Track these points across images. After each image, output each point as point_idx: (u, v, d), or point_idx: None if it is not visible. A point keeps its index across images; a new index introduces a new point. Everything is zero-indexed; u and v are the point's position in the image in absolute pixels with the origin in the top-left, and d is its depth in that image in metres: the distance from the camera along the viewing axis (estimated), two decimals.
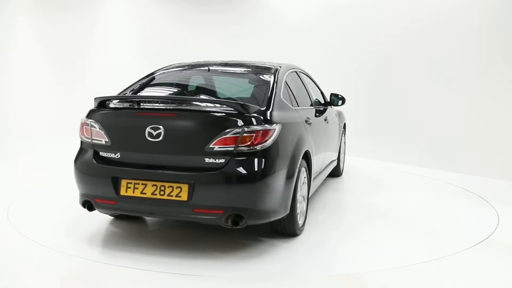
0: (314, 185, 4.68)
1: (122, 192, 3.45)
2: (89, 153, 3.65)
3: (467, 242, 3.97)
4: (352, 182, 6.28)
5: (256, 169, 3.32)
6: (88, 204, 3.65)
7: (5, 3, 10.03)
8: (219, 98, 4.00)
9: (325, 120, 5.14)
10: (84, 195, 3.66)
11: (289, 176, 3.61)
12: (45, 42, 10.34)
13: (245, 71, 4.57)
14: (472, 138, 7.00)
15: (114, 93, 4.36)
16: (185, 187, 3.33)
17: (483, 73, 6.96)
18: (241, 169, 3.30)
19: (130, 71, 8.98)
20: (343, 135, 6.47)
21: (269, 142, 3.39)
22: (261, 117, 3.42)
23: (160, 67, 4.66)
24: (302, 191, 3.99)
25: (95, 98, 3.72)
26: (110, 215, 4.27)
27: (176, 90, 4.33)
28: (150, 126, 3.40)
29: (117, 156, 3.54)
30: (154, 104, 3.67)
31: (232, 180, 3.30)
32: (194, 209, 3.33)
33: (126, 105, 3.73)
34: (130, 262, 3.43)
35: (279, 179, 3.48)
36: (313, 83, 5.57)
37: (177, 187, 3.34)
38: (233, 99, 3.83)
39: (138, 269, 3.31)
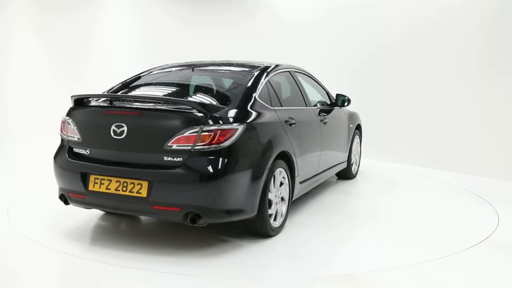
0: (305, 186, 4.63)
1: (90, 187, 3.58)
2: (65, 149, 3.84)
3: (467, 242, 3.97)
4: (357, 184, 6.20)
5: (212, 168, 3.36)
6: (64, 198, 3.81)
7: (5, 3, 10.03)
8: (192, 97, 3.96)
9: (322, 121, 5.02)
10: (60, 189, 3.84)
11: (255, 177, 3.60)
12: (45, 42, 10.34)
13: (227, 71, 4.60)
14: (472, 138, 7.01)
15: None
16: (145, 184, 3.41)
17: (483, 73, 6.96)
18: (197, 168, 3.35)
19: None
20: (358, 136, 6.35)
21: (229, 141, 3.41)
22: (222, 117, 3.46)
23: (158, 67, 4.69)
24: (279, 192, 3.98)
25: (71, 96, 3.86)
26: (103, 211, 4.35)
27: (153, 90, 4.31)
28: (115, 124, 3.53)
29: (87, 152, 3.70)
30: (122, 103, 3.75)
31: (188, 179, 3.35)
32: (153, 206, 3.42)
33: (96, 103, 3.84)
34: (130, 262, 3.43)
35: (240, 179, 3.49)
36: (317, 83, 5.54)
37: (138, 184, 3.43)
38: (202, 99, 3.86)
39: (138, 269, 3.31)
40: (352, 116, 6.15)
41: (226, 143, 3.40)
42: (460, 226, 4.48)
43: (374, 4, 8.27)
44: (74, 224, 4.27)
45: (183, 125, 3.39)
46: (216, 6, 10.29)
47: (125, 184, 3.47)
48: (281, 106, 4.32)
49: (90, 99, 3.87)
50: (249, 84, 4.00)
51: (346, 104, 5.63)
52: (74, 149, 3.78)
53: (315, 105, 5.40)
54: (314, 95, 5.53)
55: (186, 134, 3.37)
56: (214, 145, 3.37)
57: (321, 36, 8.96)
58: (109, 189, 3.51)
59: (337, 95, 5.64)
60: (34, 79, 10.22)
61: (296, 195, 4.41)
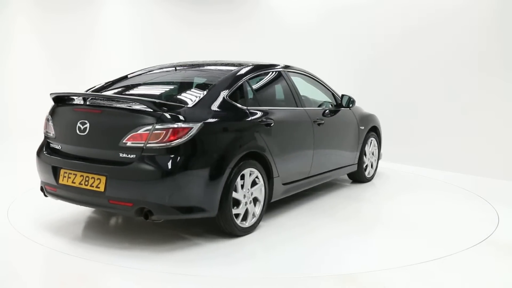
0: (292, 188, 4.60)
1: (60, 180, 3.80)
2: (44, 144, 4.13)
3: (467, 242, 3.97)
4: (366, 187, 5.99)
5: (162, 165, 3.44)
6: (43, 190, 4.06)
7: (5, 3, 10.02)
8: (155, 96, 4.01)
9: (316, 122, 4.91)
10: (41, 181, 4.09)
11: (214, 176, 3.64)
12: (45, 42, 10.34)
13: (207, 71, 4.61)
14: (472, 138, 7.00)
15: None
16: (103, 179, 3.56)
17: (484, 73, 6.96)
18: (148, 165, 3.45)
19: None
20: (374, 139, 6.17)
21: (181, 140, 3.47)
22: (176, 116, 3.52)
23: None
24: (249, 193, 3.98)
25: (50, 94, 4.03)
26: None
27: (127, 90, 4.34)
28: (80, 121, 3.72)
29: (59, 147, 3.94)
30: (89, 101, 3.88)
31: (140, 175, 3.45)
32: (109, 200, 3.55)
33: (70, 101, 4.01)
34: (129, 261, 3.43)
35: (194, 177, 3.55)
36: (320, 84, 5.46)
37: (97, 179, 3.59)
38: (162, 98, 3.91)
39: (139, 269, 3.31)
40: (365, 118, 5.98)
41: (179, 142, 3.47)
42: (460, 226, 4.47)
43: (374, 4, 8.27)
44: (74, 224, 4.27)
45: (137, 123, 3.51)
46: (216, 6, 10.28)
47: (87, 179, 3.63)
48: (259, 106, 4.32)
49: (67, 97, 4.03)
50: (218, 84, 4.04)
51: (350, 105, 5.53)
52: (50, 144, 4.04)
53: (320, 106, 5.38)
54: (319, 96, 5.48)
55: (140, 132, 3.47)
56: (165, 143, 3.45)
57: (321, 36, 8.96)
58: (74, 182, 3.69)
59: (342, 95, 5.56)
60: (34, 79, 10.21)
61: (278, 196, 4.40)
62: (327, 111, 5.26)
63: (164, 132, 3.45)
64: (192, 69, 4.79)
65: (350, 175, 6.03)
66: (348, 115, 5.65)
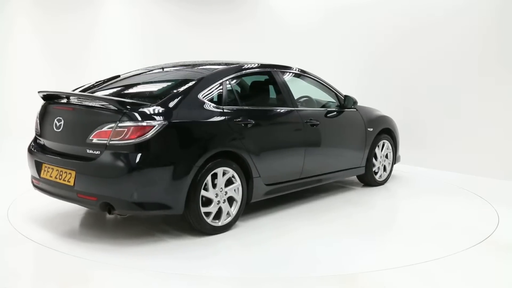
0: (279, 189, 4.59)
1: (42, 174, 4.01)
2: (33, 140, 4.37)
3: (467, 242, 3.98)
4: (373, 191, 5.87)
5: (122, 162, 3.56)
6: (32, 182, 4.29)
7: (5, 3, 10.01)
8: (126, 95, 4.13)
9: (308, 123, 4.83)
10: (30, 175, 4.29)
11: (178, 174, 3.70)
12: (45, 42, 10.33)
13: (192, 71, 4.60)
14: (472, 138, 7.00)
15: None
16: (73, 174, 3.73)
17: (484, 73, 6.96)
18: (110, 161, 3.58)
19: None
20: (387, 142, 5.95)
21: (143, 138, 3.57)
22: (139, 114, 3.62)
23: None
24: (223, 192, 4.02)
25: (38, 92, 4.24)
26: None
27: (108, 89, 4.43)
28: (56, 118, 3.95)
29: (43, 143, 4.17)
30: (66, 99, 4.11)
31: (102, 171, 3.60)
32: (78, 194, 3.72)
33: (52, 99, 4.20)
34: (130, 261, 3.43)
35: (155, 175, 3.62)
36: (321, 85, 5.35)
37: (68, 173, 3.77)
38: (131, 97, 4.02)
39: (138, 269, 3.31)
40: (375, 120, 5.80)
41: (140, 140, 3.56)
42: (460, 226, 4.47)
43: (374, 5, 8.26)
44: (74, 224, 4.27)
45: (102, 120, 3.66)
46: (216, 6, 10.28)
47: (61, 173, 3.83)
48: (240, 106, 4.33)
49: (51, 95, 4.19)
50: (193, 83, 4.08)
51: (351, 105, 5.41)
52: (37, 140, 4.28)
53: (323, 107, 5.33)
54: (324, 97, 5.42)
55: (104, 129, 3.62)
56: (127, 141, 3.56)
57: (321, 36, 8.96)
58: (51, 176, 3.90)
59: (345, 96, 5.44)
60: (34, 79, 10.20)
61: (259, 197, 4.40)
62: (327, 112, 5.20)
63: (126, 130, 3.56)
64: (180, 69, 4.77)
65: (360, 178, 5.92)
66: (353, 117, 5.53)
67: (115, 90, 4.38)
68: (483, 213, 4.91)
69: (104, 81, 4.68)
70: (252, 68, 4.70)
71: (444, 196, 5.67)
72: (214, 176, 3.96)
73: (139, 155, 3.56)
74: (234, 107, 4.24)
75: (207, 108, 4.02)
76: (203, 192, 3.87)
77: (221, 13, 10.22)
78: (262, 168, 4.34)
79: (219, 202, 4.00)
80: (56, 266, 3.43)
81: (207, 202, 3.94)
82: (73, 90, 4.50)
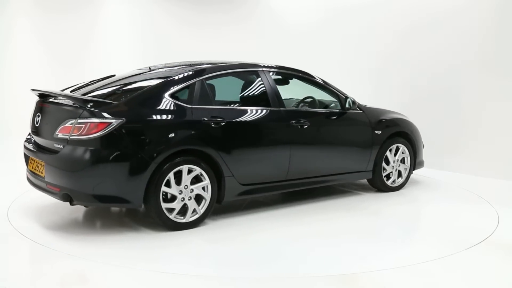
0: (259, 189, 4.56)
1: (29, 166, 4.34)
2: (27, 135, 4.63)
3: (467, 242, 3.98)
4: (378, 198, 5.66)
5: (80, 156, 3.78)
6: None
7: (5, 3, 10.01)
8: (104, 95, 4.23)
9: (297, 123, 4.71)
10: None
11: (136, 170, 3.85)
12: (45, 42, 10.32)
13: (172, 71, 4.57)
14: (472, 138, 7.00)
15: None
16: (44, 166, 4.02)
17: (484, 72, 6.95)
18: (69, 155, 3.82)
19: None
20: (403, 146, 5.62)
21: (100, 133, 3.75)
22: (98, 111, 3.82)
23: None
24: (189, 189, 4.08)
25: (31, 89, 4.42)
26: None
27: (92, 88, 4.52)
28: (37, 114, 4.27)
29: (31, 137, 4.48)
30: (47, 97, 4.30)
31: (62, 163, 3.86)
32: (47, 185, 4.00)
33: (41, 97, 4.38)
34: (129, 261, 3.43)
35: (111, 170, 3.80)
36: (323, 87, 5.20)
37: (42, 165, 4.04)
38: (97, 96, 4.18)
39: (138, 269, 3.31)
40: (385, 122, 5.53)
41: (96, 135, 3.75)
42: (460, 226, 4.47)
43: (374, 5, 8.26)
44: (74, 224, 4.27)
45: (67, 116, 3.91)
46: (216, 6, 10.28)
47: (37, 165, 4.13)
48: (214, 105, 4.36)
49: (41, 93, 4.36)
50: (161, 82, 4.23)
51: (349, 106, 5.20)
52: (29, 135, 4.54)
53: (326, 107, 5.23)
54: (329, 98, 5.33)
55: (67, 124, 3.86)
56: (85, 136, 3.77)
57: (321, 37, 8.96)
58: (33, 168, 4.22)
59: (344, 97, 5.25)
60: (34, 79, 10.19)
61: (233, 196, 4.41)
62: (325, 113, 5.10)
63: (84, 126, 3.77)
64: (166, 69, 4.73)
65: (371, 184, 5.64)
66: (356, 118, 5.31)
67: (95, 88, 4.46)
68: (483, 213, 4.91)
69: (98, 80, 4.78)
70: (232, 67, 4.73)
71: (444, 196, 5.67)
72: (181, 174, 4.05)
73: (95, 150, 3.76)
74: (205, 106, 4.28)
75: (173, 107, 4.11)
76: (165, 188, 3.97)
77: (221, 13, 10.22)
78: (235, 168, 4.34)
79: (183, 199, 4.07)
80: (56, 266, 3.43)
81: (173, 198, 4.05)
82: (65, 89, 4.66)
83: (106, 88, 4.45)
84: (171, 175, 3.98)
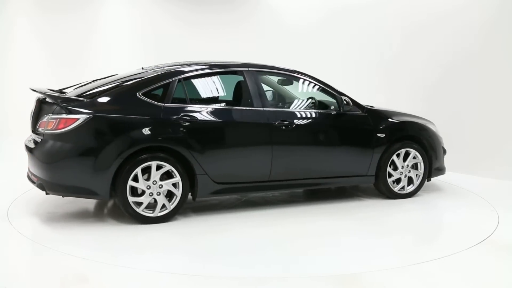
0: (237, 189, 4.61)
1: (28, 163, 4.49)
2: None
3: (467, 242, 3.98)
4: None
5: (50, 149, 4.10)
6: None
7: (5, 3, 10.01)
8: (85, 93, 4.35)
9: (279, 123, 4.63)
10: None
11: (101, 164, 4.07)
12: (45, 42, 10.32)
13: (156, 71, 4.61)
14: (472, 138, 7.00)
15: None
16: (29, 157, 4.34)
17: (484, 72, 6.95)
18: (42, 148, 4.16)
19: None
20: (414, 150, 5.26)
21: (68, 129, 4.02)
22: (67, 108, 4.10)
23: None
24: (158, 185, 4.21)
25: (29, 88, 4.56)
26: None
27: (85, 87, 4.64)
28: (30, 111, 4.50)
29: (31, 134, 4.60)
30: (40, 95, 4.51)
31: (37, 156, 4.17)
32: (31, 175, 4.34)
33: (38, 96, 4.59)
34: (130, 261, 3.43)
35: (77, 163, 4.07)
36: (322, 87, 5.05)
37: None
38: (84, 94, 4.31)
39: (139, 269, 3.31)
40: (391, 125, 5.24)
41: (65, 130, 4.03)
42: (460, 226, 4.47)
43: (374, 5, 8.26)
44: (74, 224, 4.27)
45: (44, 112, 4.24)
46: (216, 6, 10.27)
47: (28, 157, 4.40)
48: (186, 104, 4.42)
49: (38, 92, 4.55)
50: (132, 82, 4.40)
51: (340, 108, 4.98)
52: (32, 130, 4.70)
53: (325, 108, 5.06)
54: (330, 99, 5.18)
55: (44, 120, 4.18)
56: (55, 130, 4.06)
57: (322, 37, 8.96)
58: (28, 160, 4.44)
59: (340, 98, 5.05)
60: (34, 79, 10.19)
61: (207, 194, 4.47)
62: (317, 113, 4.94)
63: (55, 121, 4.07)
64: (152, 70, 4.73)
65: (377, 189, 5.36)
66: (355, 120, 5.08)
67: (86, 87, 4.60)
68: (483, 213, 4.91)
69: (96, 80, 4.90)
70: (214, 67, 4.78)
71: (444, 196, 5.66)
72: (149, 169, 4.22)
73: (63, 144, 4.06)
74: (178, 105, 4.37)
75: (144, 105, 4.27)
76: (132, 183, 4.16)
77: (221, 13, 10.22)
78: (208, 166, 4.39)
79: (152, 194, 4.21)
80: (56, 266, 3.43)
81: (143, 192, 4.23)
82: (68, 87, 4.86)
83: (92, 87, 4.53)
84: (138, 170, 4.16)
